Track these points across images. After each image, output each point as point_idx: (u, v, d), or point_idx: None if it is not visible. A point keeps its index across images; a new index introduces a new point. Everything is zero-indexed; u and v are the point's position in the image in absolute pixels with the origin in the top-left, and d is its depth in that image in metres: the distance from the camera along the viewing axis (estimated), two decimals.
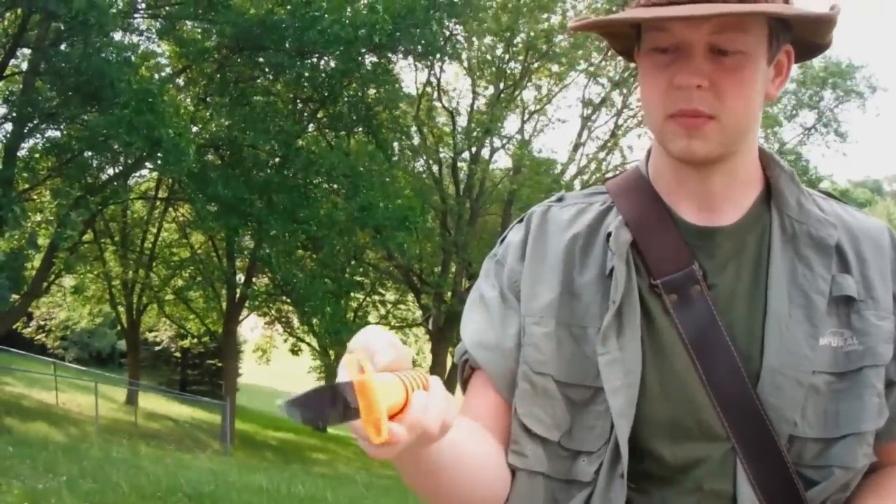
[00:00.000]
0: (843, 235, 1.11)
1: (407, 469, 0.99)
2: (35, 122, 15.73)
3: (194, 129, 17.32)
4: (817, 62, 24.52)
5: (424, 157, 24.42)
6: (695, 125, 1.03)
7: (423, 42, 17.80)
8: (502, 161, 26.02)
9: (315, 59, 18.40)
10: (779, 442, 1.04)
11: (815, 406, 1.05)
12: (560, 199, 1.23)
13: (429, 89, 23.96)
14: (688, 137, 1.04)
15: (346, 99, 19.69)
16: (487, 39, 23.33)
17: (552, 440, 1.10)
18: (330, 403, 0.76)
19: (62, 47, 14.70)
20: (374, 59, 18.98)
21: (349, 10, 16.00)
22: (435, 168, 24.75)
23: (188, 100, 19.28)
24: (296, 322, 24.93)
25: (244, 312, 24.14)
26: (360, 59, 18.49)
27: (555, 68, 24.01)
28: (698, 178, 1.10)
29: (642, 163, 1.19)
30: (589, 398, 1.09)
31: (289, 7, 15.45)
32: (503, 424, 1.13)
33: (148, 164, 17.02)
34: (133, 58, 14.88)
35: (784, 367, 1.04)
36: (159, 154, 14.43)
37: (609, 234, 1.12)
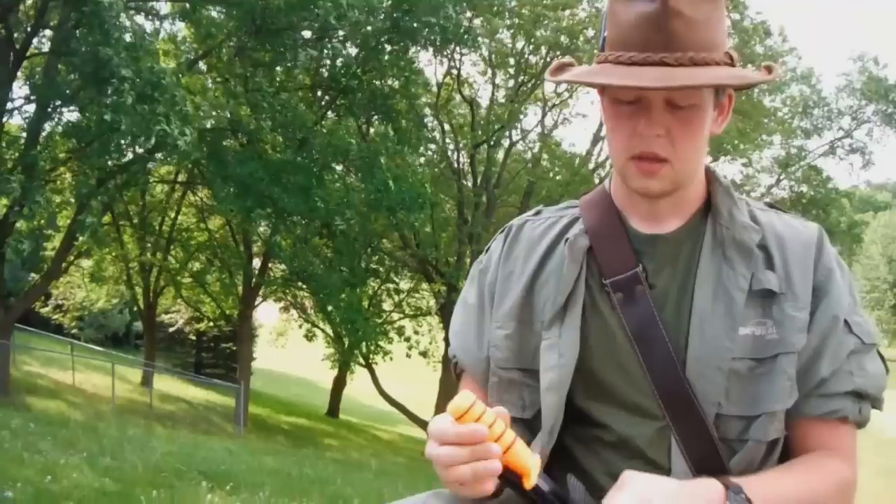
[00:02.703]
0: (770, 238, 1.27)
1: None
2: (57, 103, 15.80)
3: (214, 113, 17.26)
4: (858, 79, 24.59)
5: (442, 146, 24.35)
6: (651, 170, 1.21)
7: (439, 26, 17.52)
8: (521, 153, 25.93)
9: (332, 44, 18.32)
10: (706, 420, 1.21)
11: (739, 388, 1.21)
12: (537, 213, 1.43)
13: (448, 80, 23.97)
14: (645, 178, 1.22)
15: (364, 86, 19.57)
16: (507, 34, 23.20)
17: (528, 419, 1.31)
18: None
19: (79, 31, 14.58)
20: (393, 48, 18.88)
21: None
22: (454, 157, 24.77)
23: (209, 83, 19.24)
24: (311, 308, 25.07)
25: (260, 297, 24.28)
26: (379, 47, 18.43)
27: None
28: (648, 203, 1.29)
29: (608, 181, 1.37)
30: None
31: None
32: None
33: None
34: (138, 44, 14.21)
35: (705, 356, 1.21)
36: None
37: (566, 241, 1.32)
